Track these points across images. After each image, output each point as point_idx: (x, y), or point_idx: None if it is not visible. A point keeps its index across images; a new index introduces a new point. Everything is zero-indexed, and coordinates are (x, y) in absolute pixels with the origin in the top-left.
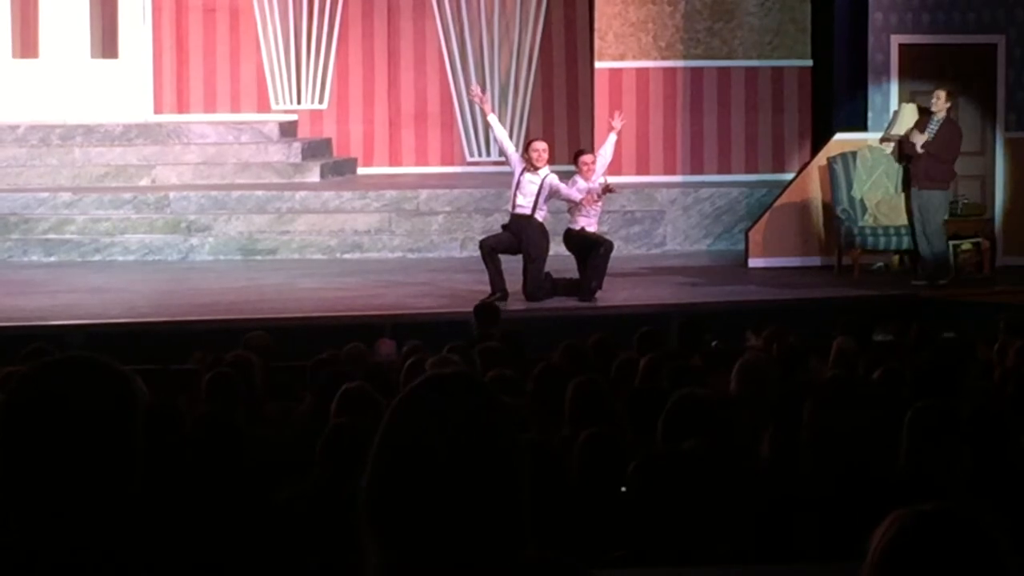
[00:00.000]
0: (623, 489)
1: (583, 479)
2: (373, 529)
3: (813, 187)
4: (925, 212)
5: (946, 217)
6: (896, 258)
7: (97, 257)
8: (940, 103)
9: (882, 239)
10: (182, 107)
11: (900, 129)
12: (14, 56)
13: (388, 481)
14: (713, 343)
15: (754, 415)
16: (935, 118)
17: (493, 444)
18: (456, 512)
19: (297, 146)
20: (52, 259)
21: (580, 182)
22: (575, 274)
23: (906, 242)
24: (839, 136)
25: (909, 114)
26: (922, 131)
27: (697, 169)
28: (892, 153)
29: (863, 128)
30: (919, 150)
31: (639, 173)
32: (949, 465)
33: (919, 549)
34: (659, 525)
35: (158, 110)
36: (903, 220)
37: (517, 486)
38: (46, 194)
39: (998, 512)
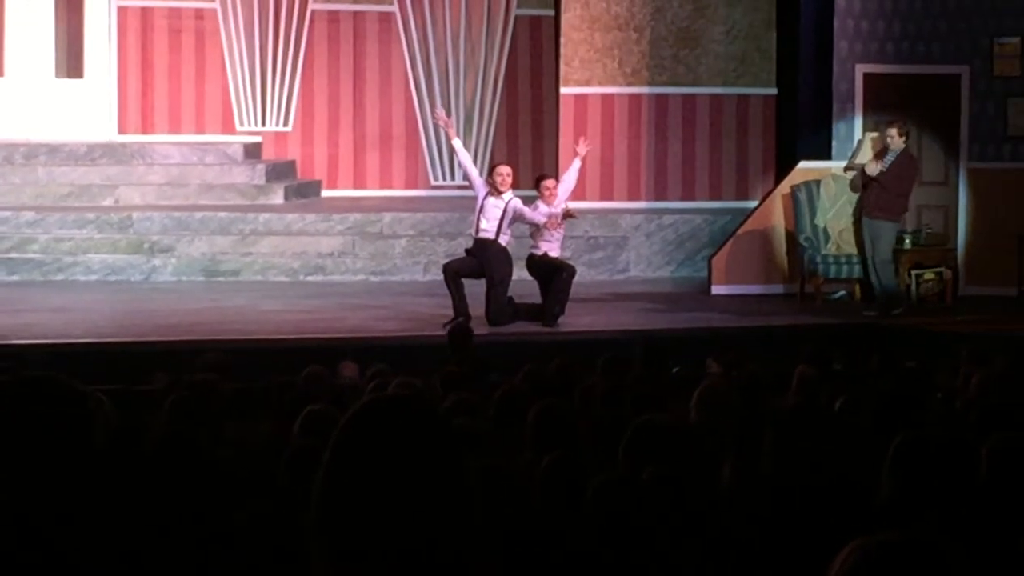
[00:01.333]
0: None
1: (545, 504)
2: (321, 550)
3: (776, 215)
4: (875, 242)
5: (903, 248)
6: (859, 286)
7: (59, 277)
8: (895, 140)
9: (845, 267)
10: (147, 127)
11: (863, 158)
12: None
13: (335, 503)
14: (675, 369)
15: (715, 443)
16: (892, 150)
17: (437, 467)
18: (403, 535)
19: (261, 168)
20: (14, 278)
21: (542, 206)
22: (538, 299)
23: None
24: (803, 164)
25: (872, 143)
26: (879, 160)
27: (661, 195)
28: (853, 180)
29: (827, 157)
30: (872, 177)
31: (603, 199)
32: (921, 495)
33: None
34: (620, 552)
35: (122, 130)
36: None
37: (465, 509)
38: (9, 213)
39: (961, 541)
